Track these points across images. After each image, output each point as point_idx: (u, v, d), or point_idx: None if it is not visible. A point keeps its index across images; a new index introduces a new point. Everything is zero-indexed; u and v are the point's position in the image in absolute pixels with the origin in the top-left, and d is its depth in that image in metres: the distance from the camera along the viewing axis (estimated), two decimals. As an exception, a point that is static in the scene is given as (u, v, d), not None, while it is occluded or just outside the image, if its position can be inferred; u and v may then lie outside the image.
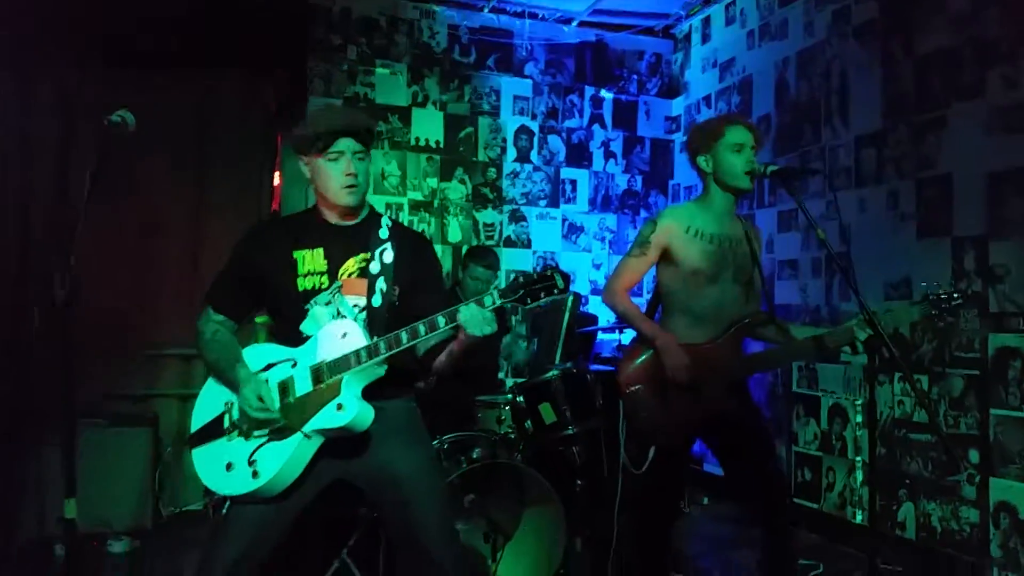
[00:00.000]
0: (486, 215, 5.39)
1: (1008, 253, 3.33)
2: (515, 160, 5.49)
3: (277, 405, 2.09)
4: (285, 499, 2.09)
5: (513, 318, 5.22)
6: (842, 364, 4.14)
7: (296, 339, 2.16)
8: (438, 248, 5.15)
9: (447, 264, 5.14)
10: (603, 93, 5.74)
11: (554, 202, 5.58)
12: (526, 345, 5.30)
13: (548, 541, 3.18)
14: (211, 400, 2.22)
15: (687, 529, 4.24)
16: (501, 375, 4.77)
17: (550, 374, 3.34)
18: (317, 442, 2.07)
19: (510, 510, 3.24)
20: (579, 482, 3.29)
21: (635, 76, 5.86)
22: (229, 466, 2.09)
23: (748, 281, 2.71)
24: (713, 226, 2.66)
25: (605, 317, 5.14)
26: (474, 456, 3.13)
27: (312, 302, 2.16)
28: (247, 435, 2.10)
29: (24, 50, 4.22)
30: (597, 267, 5.62)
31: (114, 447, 3.98)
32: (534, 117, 5.55)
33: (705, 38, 5.58)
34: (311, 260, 2.19)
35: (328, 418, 2.03)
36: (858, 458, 4.03)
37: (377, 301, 2.18)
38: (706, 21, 5.56)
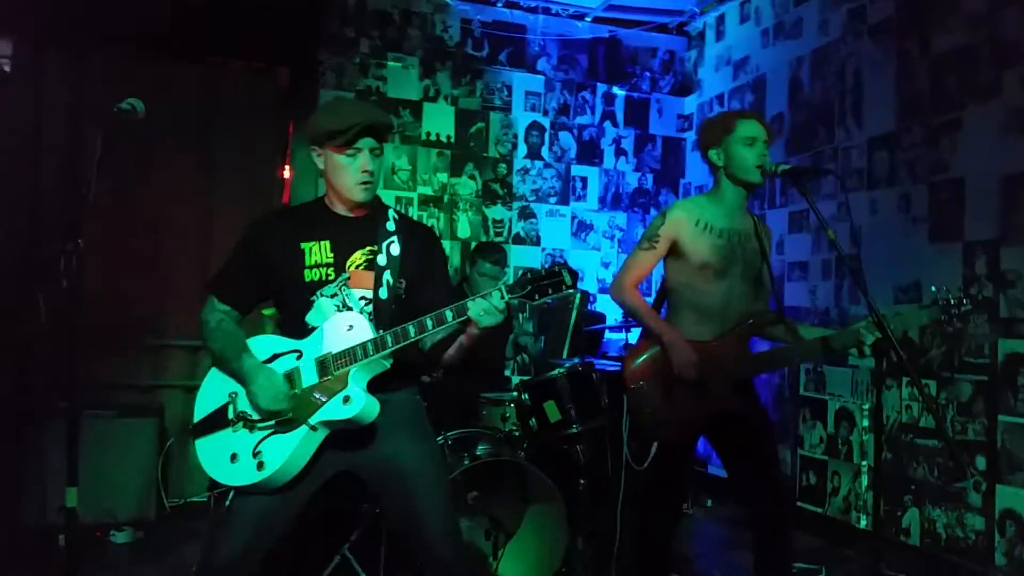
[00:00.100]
0: (496, 211, 5.38)
1: (1020, 258, 3.30)
2: (526, 156, 5.47)
3: (289, 394, 2.08)
4: (290, 490, 2.09)
5: (520, 315, 5.21)
6: (850, 368, 4.11)
7: (301, 330, 2.16)
8: (447, 244, 5.16)
9: (455, 260, 5.14)
10: (615, 90, 5.71)
11: (564, 199, 5.56)
12: (533, 342, 5.29)
13: (550, 539, 3.17)
14: (214, 390, 2.21)
15: (689, 530, 4.23)
16: (507, 372, 4.76)
17: (556, 372, 3.33)
18: (322, 434, 2.07)
19: (513, 508, 3.24)
20: (582, 481, 3.28)
21: (648, 73, 5.83)
22: (234, 457, 2.09)
23: (756, 278, 2.69)
24: (723, 220, 2.64)
25: (613, 315, 5.13)
26: (478, 453, 3.13)
27: (318, 294, 2.16)
28: (252, 426, 2.10)
29: (30, 41, 4.24)
30: (606, 265, 5.60)
31: (119, 437, 4.00)
32: (546, 113, 5.53)
33: (719, 36, 5.54)
34: (318, 252, 2.18)
35: (334, 410, 2.03)
36: (864, 463, 4.00)
37: (383, 294, 2.18)
38: (720, 19, 5.52)
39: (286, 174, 4.80)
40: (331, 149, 2.16)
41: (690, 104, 5.85)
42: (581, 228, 5.60)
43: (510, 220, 5.41)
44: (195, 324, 2.26)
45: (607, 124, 5.69)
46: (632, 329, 4.66)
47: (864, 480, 3.99)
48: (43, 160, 4.22)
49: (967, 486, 3.45)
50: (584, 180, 5.62)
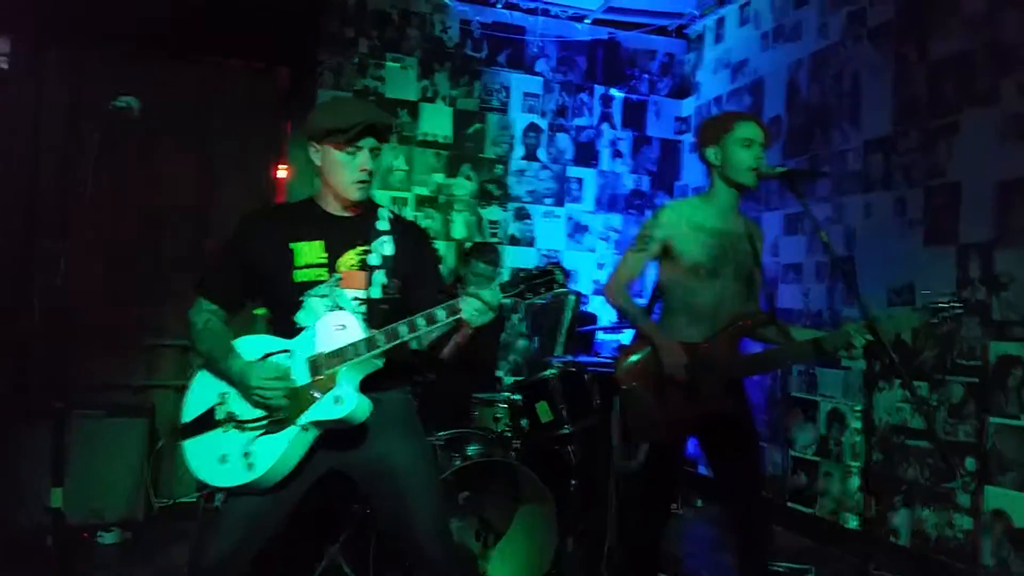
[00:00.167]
0: (491, 212, 5.38)
1: (1013, 261, 3.30)
2: (522, 157, 5.47)
3: (291, 383, 2.06)
4: (280, 491, 2.08)
5: (514, 316, 5.21)
6: (842, 369, 4.11)
7: (291, 330, 2.15)
8: (442, 244, 5.16)
9: (450, 260, 5.14)
10: (613, 92, 5.72)
11: (560, 201, 5.56)
12: (527, 343, 5.29)
13: (540, 540, 3.17)
14: (203, 391, 2.19)
15: (679, 530, 4.23)
16: (500, 373, 4.77)
17: (548, 372, 3.33)
18: (313, 434, 2.07)
19: (503, 508, 3.24)
20: (573, 481, 3.28)
21: (646, 75, 5.84)
22: (223, 458, 2.08)
23: (748, 279, 2.70)
24: (715, 221, 2.65)
25: (606, 317, 5.13)
26: (469, 453, 3.13)
27: (308, 294, 2.15)
28: (242, 427, 2.09)
29: (29, 40, 4.25)
30: (601, 267, 5.60)
31: (110, 437, 3.97)
32: (543, 115, 5.53)
33: (718, 38, 5.54)
34: (310, 252, 2.17)
35: (325, 410, 2.03)
36: (855, 463, 4.01)
37: (376, 293, 2.18)
38: (720, 22, 5.52)
39: (283, 174, 4.80)
40: (331, 146, 2.15)
41: (688, 106, 5.85)
42: (577, 229, 5.60)
43: (506, 221, 5.41)
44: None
45: (605, 126, 5.70)
46: (625, 330, 4.66)
47: (855, 481, 4.00)
48: (41, 159, 4.22)
49: (956, 487, 3.46)
50: (580, 181, 5.62)
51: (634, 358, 2.64)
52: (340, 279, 2.16)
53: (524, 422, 3.36)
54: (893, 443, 3.76)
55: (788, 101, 4.75)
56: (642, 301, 2.86)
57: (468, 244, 5.03)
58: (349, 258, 2.18)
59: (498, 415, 3.48)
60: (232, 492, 2.09)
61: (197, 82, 4.66)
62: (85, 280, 3.91)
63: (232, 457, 2.07)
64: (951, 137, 3.61)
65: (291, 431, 2.05)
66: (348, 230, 2.22)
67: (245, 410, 2.11)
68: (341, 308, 2.14)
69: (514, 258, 5.38)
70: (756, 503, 2.62)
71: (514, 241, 5.42)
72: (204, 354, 2.19)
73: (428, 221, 5.18)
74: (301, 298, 2.15)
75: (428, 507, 2.17)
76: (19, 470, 3.73)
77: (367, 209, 2.27)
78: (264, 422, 2.07)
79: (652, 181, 5.82)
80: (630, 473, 2.66)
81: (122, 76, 4.31)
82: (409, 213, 5.11)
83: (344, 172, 2.15)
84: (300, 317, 2.15)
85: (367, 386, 2.08)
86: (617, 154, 5.73)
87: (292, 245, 2.17)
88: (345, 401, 2.01)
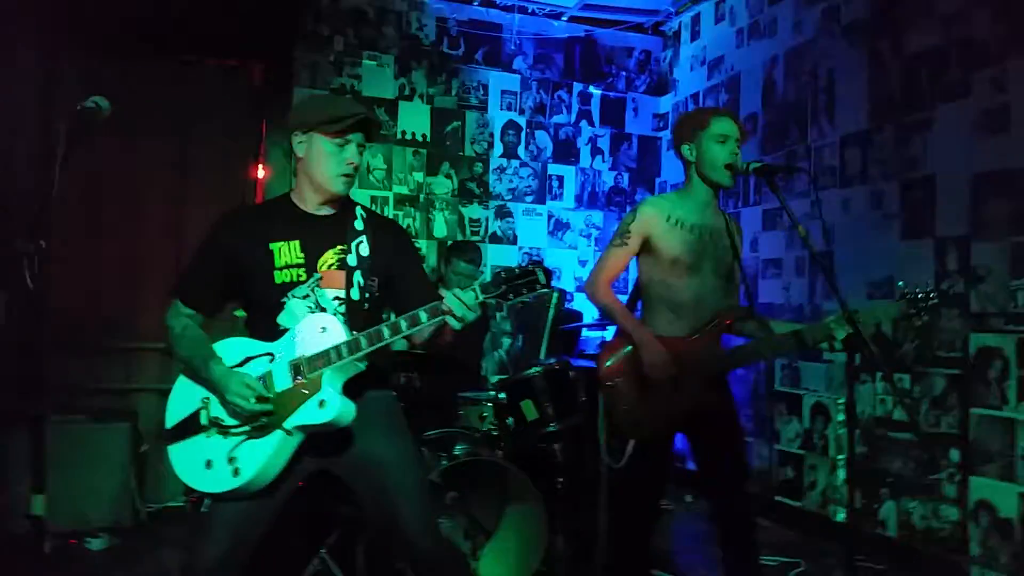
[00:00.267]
0: (472, 210, 5.37)
1: (990, 254, 3.35)
2: (502, 155, 5.46)
3: (266, 395, 2.03)
4: (266, 495, 2.06)
5: (498, 314, 5.20)
6: (824, 363, 4.15)
7: (272, 332, 2.12)
8: (423, 243, 5.14)
9: (432, 259, 5.12)
10: (591, 89, 5.72)
11: (540, 198, 5.56)
12: (510, 342, 5.29)
13: (530, 539, 3.16)
14: (185, 395, 2.16)
15: (668, 526, 4.25)
16: (484, 372, 4.75)
17: (532, 370, 3.32)
18: (298, 438, 2.05)
19: (492, 507, 3.23)
20: (561, 479, 3.27)
21: (624, 73, 5.85)
22: (208, 463, 2.05)
23: (728, 274, 2.71)
24: (694, 216, 2.66)
25: (590, 313, 5.14)
26: (456, 453, 3.11)
27: (289, 295, 2.13)
28: (226, 432, 2.06)
29: (5, 41, 4.16)
30: (583, 264, 5.61)
31: (93, 442, 3.91)
32: (522, 112, 5.52)
33: (694, 35, 5.57)
34: (288, 252, 2.14)
35: (310, 414, 2.00)
36: (840, 456, 4.05)
37: (355, 294, 2.16)
38: (696, 18, 5.55)
39: (260, 173, 4.75)
40: (321, 134, 2.13)
41: (666, 103, 5.87)
42: (558, 227, 5.60)
43: (487, 219, 5.40)
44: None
45: (583, 123, 5.70)
46: (608, 327, 4.67)
47: (840, 474, 4.04)
48: (14, 159, 4.14)
49: (942, 478, 3.50)
50: (560, 179, 5.62)
51: (616, 356, 2.65)
52: (320, 279, 2.14)
53: (510, 421, 3.36)
54: (877, 435, 3.81)
55: (764, 97, 4.78)
56: (623, 298, 2.85)
57: (449, 243, 5.02)
58: (328, 258, 2.16)
59: (484, 414, 3.47)
60: (219, 498, 2.07)
61: (170, 80, 4.59)
62: (62, 283, 3.84)
63: (217, 462, 2.04)
64: (926, 131, 3.66)
65: (276, 436, 2.02)
66: (325, 230, 2.19)
67: (229, 415, 2.08)
68: (323, 309, 2.12)
69: (496, 256, 5.37)
70: (740, 497, 2.63)
71: (495, 239, 5.41)
72: (184, 360, 2.15)
73: (408, 220, 5.16)
74: (283, 300, 2.12)
75: (415, 502, 2.16)
76: (3, 475, 3.67)
77: (344, 207, 2.25)
78: (247, 428, 2.04)
79: (632, 178, 5.84)
80: (617, 471, 2.65)
81: (96, 75, 4.25)
82: (389, 212, 5.09)
83: (330, 163, 2.13)
84: (282, 319, 2.12)
85: (350, 387, 2.06)
86: (597, 151, 5.74)
87: (271, 246, 2.14)
88: (329, 405, 1.99)
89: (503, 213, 5.45)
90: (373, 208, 2.68)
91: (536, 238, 5.53)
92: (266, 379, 2.07)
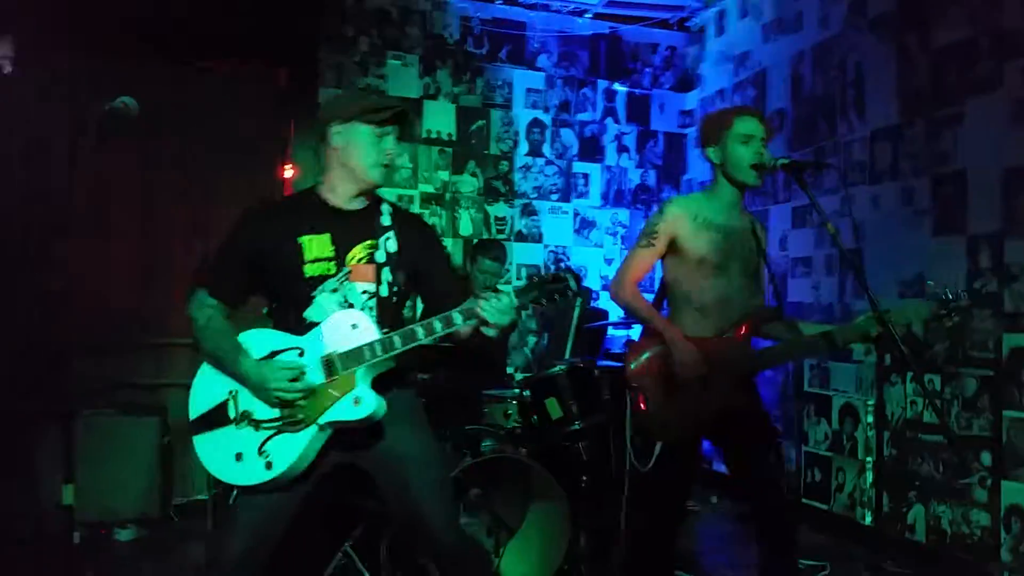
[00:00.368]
0: (498, 209, 5.37)
1: (1024, 252, 3.28)
2: (527, 154, 5.46)
3: (306, 384, 2.05)
4: (294, 487, 2.08)
5: (523, 313, 5.20)
6: (854, 363, 4.09)
7: (299, 325, 2.13)
8: (448, 241, 5.15)
9: (457, 257, 5.13)
10: (616, 86, 5.70)
11: (566, 196, 5.55)
12: (535, 340, 5.28)
13: (553, 537, 3.16)
14: (210, 386, 2.17)
15: (694, 527, 4.22)
16: (509, 370, 4.76)
17: (557, 369, 3.32)
18: (328, 433, 2.07)
19: (515, 505, 3.23)
20: (585, 478, 3.27)
21: (649, 69, 5.82)
22: (239, 456, 2.06)
23: (754, 274, 2.68)
24: (720, 216, 2.63)
25: (615, 312, 5.11)
26: (480, 449, 3.12)
27: (319, 289, 2.13)
28: (257, 425, 2.07)
29: (33, 42, 4.24)
30: (608, 262, 5.59)
31: (123, 436, 3.99)
32: (547, 110, 5.52)
33: (720, 31, 5.52)
34: (318, 246, 2.14)
35: (346, 411, 2.02)
36: (868, 459, 3.99)
37: (384, 291, 2.17)
38: (721, 14, 5.50)
39: (287, 173, 4.79)
40: (362, 123, 2.14)
41: (692, 100, 5.83)
42: (584, 225, 5.58)
43: (512, 217, 5.40)
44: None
45: (609, 120, 5.68)
46: (634, 325, 4.65)
47: (869, 476, 3.98)
48: (42, 160, 4.22)
49: (972, 482, 3.43)
50: (586, 177, 5.61)
51: (644, 356, 2.62)
52: (349, 272, 2.15)
53: (534, 419, 3.35)
54: (907, 438, 3.75)
55: (792, 93, 4.72)
56: (649, 297, 2.84)
57: (475, 241, 5.02)
58: (357, 252, 2.17)
59: (508, 411, 3.48)
60: (248, 491, 2.08)
61: (196, 83, 4.64)
62: (94, 280, 3.92)
63: (248, 455, 2.06)
64: (956, 126, 3.59)
65: (310, 431, 2.04)
66: (355, 223, 2.19)
67: (260, 408, 2.09)
68: (351, 303, 2.13)
69: (521, 255, 5.37)
70: (775, 491, 2.60)
71: (521, 237, 5.41)
72: (210, 353, 2.16)
73: (434, 218, 5.18)
74: (313, 294, 2.13)
75: (438, 498, 2.18)
76: (35, 468, 3.75)
77: (372, 202, 2.26)
78: (280, 422, 2.06)
79: (658, 175, 5.80)
80: (644, 473, 2.63)
81: (122, 78, 4.30)
82: (415, 211, 5.10)
83: (370, 151, 2.15)
84: (311, 313, 2.13)
85: (375, 383, 2.07)
86: (623, 149, 5.71)
87: (300, 239, 2.14)
88: (364, 402, 2.01)
89: (529, 211, 5.45)
90: (400, 205, 2.68)
91: (562, 236, 5.52)
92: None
